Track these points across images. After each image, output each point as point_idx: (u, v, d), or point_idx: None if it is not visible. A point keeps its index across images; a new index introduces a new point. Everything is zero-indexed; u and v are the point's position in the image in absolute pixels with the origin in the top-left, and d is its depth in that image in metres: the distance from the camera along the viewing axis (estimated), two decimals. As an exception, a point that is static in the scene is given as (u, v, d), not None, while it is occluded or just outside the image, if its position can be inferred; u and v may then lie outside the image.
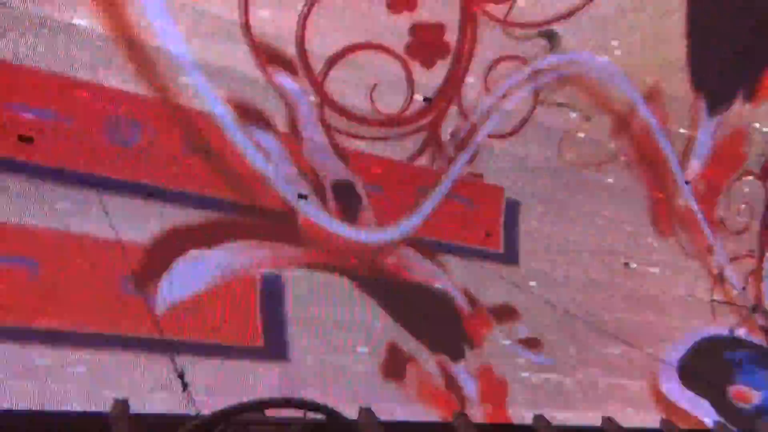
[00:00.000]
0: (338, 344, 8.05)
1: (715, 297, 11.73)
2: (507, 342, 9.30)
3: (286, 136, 7.96)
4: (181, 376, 6.52)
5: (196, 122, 7.37)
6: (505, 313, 9.38)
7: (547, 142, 9.96)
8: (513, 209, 9.70)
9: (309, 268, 8.02)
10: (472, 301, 9.14)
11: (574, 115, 10.11)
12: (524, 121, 9.68)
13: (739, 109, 11.50)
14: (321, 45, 8.06)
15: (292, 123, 7.99)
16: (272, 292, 7.73)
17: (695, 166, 11.44)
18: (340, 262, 8.25)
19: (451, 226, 9.20)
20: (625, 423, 9.34)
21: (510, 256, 9.67)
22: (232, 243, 7.54)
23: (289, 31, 7.84)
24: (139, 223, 6.98)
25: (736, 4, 10.80)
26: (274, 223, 7.88)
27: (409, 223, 8.81)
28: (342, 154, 8.34)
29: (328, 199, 8.25)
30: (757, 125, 11.79)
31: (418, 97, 8.86)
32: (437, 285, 8.98)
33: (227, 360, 7.23)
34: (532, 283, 9.82)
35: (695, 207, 11.44)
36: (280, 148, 7.90)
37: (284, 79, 7.87)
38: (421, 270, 8.91)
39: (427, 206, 8.94)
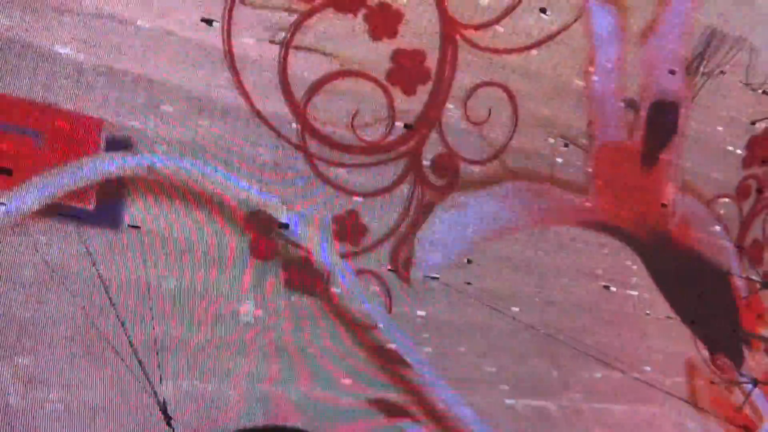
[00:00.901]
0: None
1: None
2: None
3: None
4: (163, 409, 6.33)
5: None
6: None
7: (525, 166, 10.03)
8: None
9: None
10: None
11: (552, 140, 10.18)
12: (503, 147, 9.72)
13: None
14: (304, 71, 8.03)
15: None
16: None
17: (672, 188, 11.61)
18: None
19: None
20: (611, 449, 9.38)
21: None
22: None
23: (271, 59, 7.80)
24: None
25: None
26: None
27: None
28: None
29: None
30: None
31: (399, 124, 8.86)
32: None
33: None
34: (515, 308, 9.84)
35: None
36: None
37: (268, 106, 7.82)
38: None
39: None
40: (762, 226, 13.00)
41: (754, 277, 12.39)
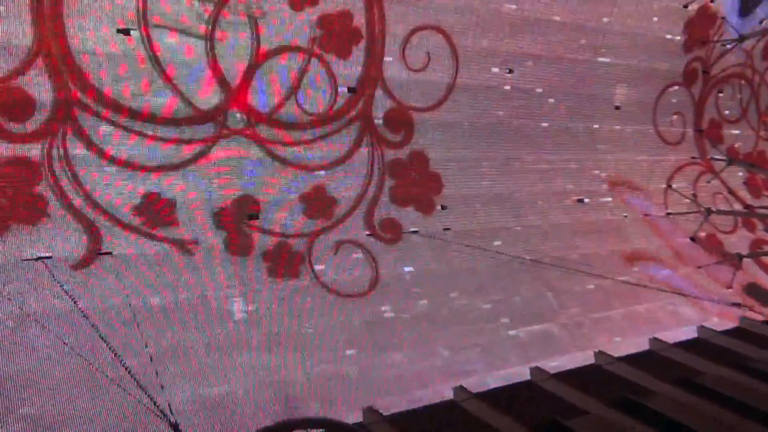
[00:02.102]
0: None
1: (670, 210, 12.08)
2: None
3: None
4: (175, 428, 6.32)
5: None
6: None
7: (476, 103, 10.01)
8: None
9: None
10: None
11: (495, 69, 10.14)
12: (449, 88, 9.67)
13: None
14: (234, 58, 7.86)
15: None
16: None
17: (622, 89, 11.68)
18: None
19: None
20: (617, 352, 9.58)
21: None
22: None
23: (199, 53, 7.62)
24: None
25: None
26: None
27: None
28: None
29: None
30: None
31: (343, 89, 8.75)
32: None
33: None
34: (497, 243, 9.94)
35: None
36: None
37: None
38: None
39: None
40: (715, 105, 13.20)
41: (718, 156, 12.61)
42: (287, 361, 7.64)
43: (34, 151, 6.71)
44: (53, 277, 6.46)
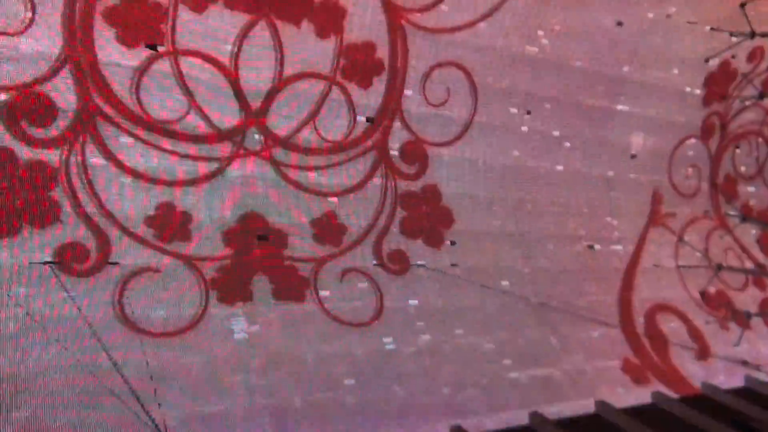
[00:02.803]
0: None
1: (681, 263, 11.99)
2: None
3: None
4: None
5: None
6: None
7: (493, 141, 10.06)
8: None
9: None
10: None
11: (514, 110, 10.20)
12: (467, 125, 9.73)
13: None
14: (256, 81, 7.96)
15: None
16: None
17: (639, 138, 11.71)
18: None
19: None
20: (619, 403, 9.44)
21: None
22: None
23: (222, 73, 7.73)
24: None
25: None
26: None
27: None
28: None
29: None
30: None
31: (361, 118, 8.83)
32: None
33: None
34: (504, 282, 9.88)
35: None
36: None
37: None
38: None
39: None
40: (731, 161, 13.20)
41: (731, 212, 12.55)
42: (286, 386, 7.57)
43: (53, 156, 6.79)
44: (60, 282, 6.48)
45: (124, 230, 7.20)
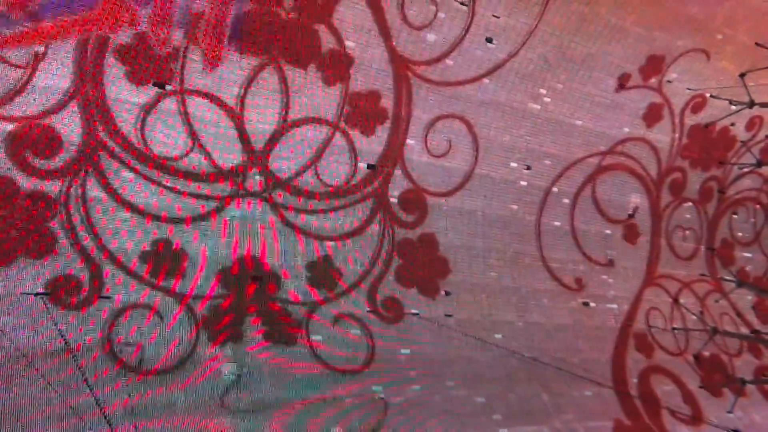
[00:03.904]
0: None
1: (675, 326, 11.94)
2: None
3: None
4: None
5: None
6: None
7: (492, 194, 10.13)
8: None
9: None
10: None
11: (514, 164, 10.30)
12: (467, 176, 9.82)
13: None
14: (261, 123, 8.07)
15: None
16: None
17: (636, 198, 11.81)
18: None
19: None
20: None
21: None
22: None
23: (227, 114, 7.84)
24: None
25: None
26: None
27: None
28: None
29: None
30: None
31: (362, 165, 8.91)
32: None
33: None
34: (498, 335, 9.82)
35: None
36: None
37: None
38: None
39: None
40: (728, 226, 13.27)
41: (728, 277, 12.55)
42: (271, 430, 7.45)
43: (54, 187, 6.84)
44: (49, 314, 6.43)
45: (119, 265, 7.19)
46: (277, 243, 8.29)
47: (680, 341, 11.79)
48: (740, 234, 13.33)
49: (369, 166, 8.96)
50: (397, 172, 9.24)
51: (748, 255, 13.43)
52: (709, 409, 11.19)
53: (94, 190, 7.07)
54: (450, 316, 9.52)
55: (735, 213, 13.13)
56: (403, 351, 8.98)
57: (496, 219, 10.15)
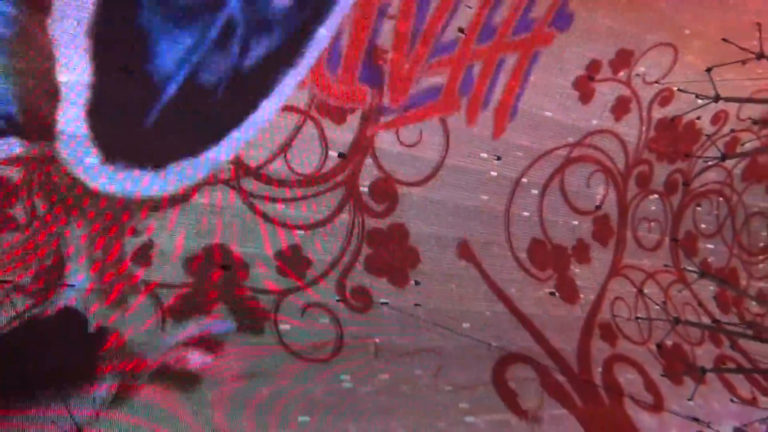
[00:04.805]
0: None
1: (639, 315, 12.15)
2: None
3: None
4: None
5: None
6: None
7: (462, 184, 10.16)
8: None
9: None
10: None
11: (484, 155, 10.34)
12: (438, 166, 9.83)
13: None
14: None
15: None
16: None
17: (604, 190, 11.96)
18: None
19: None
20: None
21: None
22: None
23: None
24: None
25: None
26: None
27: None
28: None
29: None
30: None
31: (333, 154, 8.86)
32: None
33: None
34: (466, 325, 9.88)
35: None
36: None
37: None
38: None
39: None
40: (693, 218, 13.52)
41: (690, 268, 12.80)
42: (239, 422, 7.39)
43: (15, 174, 6.68)
44: (11, 303, 6.30)
45: (85, 252, 7.07)
46: (245, 231, 8.21)
47: (644, 330, 12.02)
48: (704, 226, 13.61)
49: (340, 155, 8.92)
50: (368, 161, 9.21)
51: (711, 246, 13.71)
52: (670, 397, 11.43)
53: (57, 177, 6.92)
54: (419, 305, 9.55)
55: (699, 205, 13.39)
56: (371, 340, 8.99)
57: (466, 209, 10.19)
